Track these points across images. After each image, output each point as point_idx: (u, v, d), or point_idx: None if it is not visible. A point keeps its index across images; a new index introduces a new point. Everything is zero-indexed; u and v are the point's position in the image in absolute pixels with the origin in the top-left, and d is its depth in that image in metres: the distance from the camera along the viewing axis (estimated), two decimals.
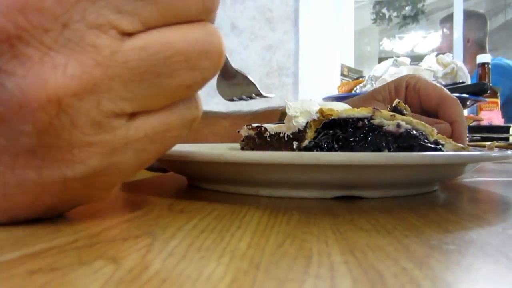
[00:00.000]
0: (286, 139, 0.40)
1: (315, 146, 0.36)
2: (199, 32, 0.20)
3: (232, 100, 0.47)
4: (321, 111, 0.36)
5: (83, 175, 0.21)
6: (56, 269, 0.16)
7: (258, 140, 0.44)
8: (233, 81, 0.44)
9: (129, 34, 0.18)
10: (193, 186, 0.39)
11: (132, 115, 0.20)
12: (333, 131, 0.36)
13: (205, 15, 0.20)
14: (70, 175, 0.20)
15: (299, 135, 0.38)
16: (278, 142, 0.42)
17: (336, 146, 0.35)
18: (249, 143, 0.46)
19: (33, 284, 0.15)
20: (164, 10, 0.19)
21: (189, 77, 0.20)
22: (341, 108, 0.37)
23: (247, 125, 0.46)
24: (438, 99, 0.60)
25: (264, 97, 0.46)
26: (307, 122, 0.37)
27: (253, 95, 0.46)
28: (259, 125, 0.44)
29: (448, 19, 2.74)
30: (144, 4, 0.18)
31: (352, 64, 2.34)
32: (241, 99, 0.47)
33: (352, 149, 0.35)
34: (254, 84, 0.44)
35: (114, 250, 0.19)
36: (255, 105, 0.72)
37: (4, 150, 0.20)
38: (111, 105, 0.19)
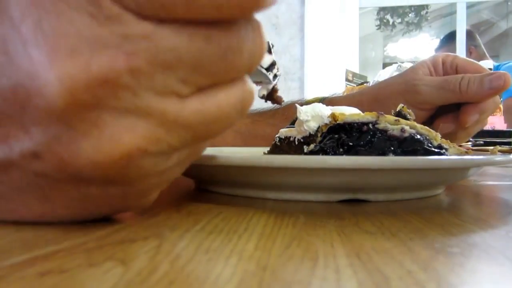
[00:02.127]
0: (296, 143, 0.40)
1: (321, 150, 0.36)
2: (239, 93, 0.22)
3: None
4: (333, 116, 0.36)
5: (145, 191, 0.24)
6: (66, 270, 0.16)
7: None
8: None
9: (185, 97, 0.20)
10: (200, 189, 0.39)
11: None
12: (338, 135, 0.36)
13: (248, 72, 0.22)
14: (132, 191, 0.23)
15: (310, 139, 0.38)
16: (288, 146, 0.42)
17: (341, 150, 0.35)
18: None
19: (43, 286, 0.15)
20: (217, 76, 0.21)
21: (225, 128, 0.22)
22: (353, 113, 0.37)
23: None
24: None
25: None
26: (319, 126, 0.37)
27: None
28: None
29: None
30: (202, 72, 0.20)
31: (356, 70, 2.35)
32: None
33: (357, 153, 0.35)
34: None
35: (123, 252, 0.19)
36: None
37: (70, 181, 0.21)
38: (173, 150, 0.21)
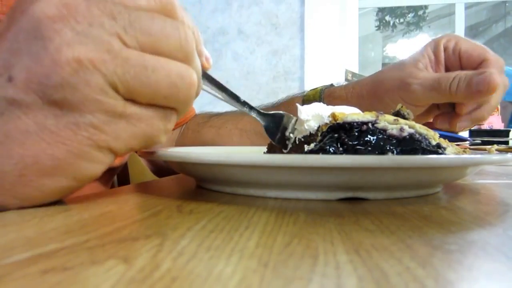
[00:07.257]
0: (297, 142, 0.40)
1: (321, 149, 0.36)
2: (177, 66, 0.29)
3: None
4: (333, 115, 0.36)
5: (91, 124, 0.28)
6: (68, 268, 0.16)
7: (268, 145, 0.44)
8: None
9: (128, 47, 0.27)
10: (201, 188, 0.39)
11: (126, 100, 0.28)
12: (338, 135, 0.36)
13: (183, 56, 0.29)
14: (81, 121, 0.27)
15: (310, 138, 0.38)
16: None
17: (341, 149, 0.36)
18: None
19: (46, 284, 0.15)
20: (153, 41, 0.28)
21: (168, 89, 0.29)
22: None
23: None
24: (480, 60, 0.57)
25: None
26: (319, 126, 0.38)
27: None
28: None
29: None
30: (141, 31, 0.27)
31: (356, 69, 2.34)
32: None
33: (356, 152, 0.35)
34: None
35: (125, 250, 0.19)
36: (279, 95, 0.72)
37: (32, 104, 0.27)
38: (114, 81, 0.27)
